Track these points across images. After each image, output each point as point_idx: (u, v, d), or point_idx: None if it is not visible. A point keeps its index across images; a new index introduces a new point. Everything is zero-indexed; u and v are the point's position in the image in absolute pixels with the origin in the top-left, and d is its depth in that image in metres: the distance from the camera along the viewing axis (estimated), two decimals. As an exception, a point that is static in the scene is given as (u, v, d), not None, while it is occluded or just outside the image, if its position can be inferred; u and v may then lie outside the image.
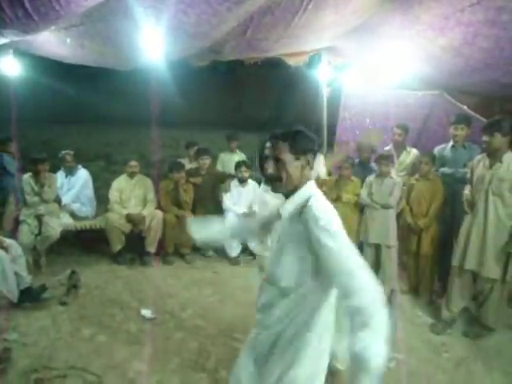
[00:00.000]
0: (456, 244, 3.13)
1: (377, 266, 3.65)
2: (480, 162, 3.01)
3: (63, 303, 3.29)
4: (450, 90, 5.54)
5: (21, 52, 3.86)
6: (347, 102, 5.74)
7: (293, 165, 1.40)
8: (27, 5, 2.06)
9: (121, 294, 3.60)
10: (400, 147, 4.19)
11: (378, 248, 3.64)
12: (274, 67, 5.68)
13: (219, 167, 5.31)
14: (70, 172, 4.53)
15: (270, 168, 1.42)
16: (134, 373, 2.47)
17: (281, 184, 1.42)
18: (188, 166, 4.86)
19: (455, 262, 3.05)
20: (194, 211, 4.58)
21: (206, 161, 4.70)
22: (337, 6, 3.70)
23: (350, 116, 5.81)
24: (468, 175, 3.12)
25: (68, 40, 3.35)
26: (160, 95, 6.78)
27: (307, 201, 1.38)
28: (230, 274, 4.17)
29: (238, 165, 4.61)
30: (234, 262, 4.45)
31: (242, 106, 6.96)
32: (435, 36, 4.27)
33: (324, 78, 5.76)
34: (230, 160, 5.10)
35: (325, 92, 5.97)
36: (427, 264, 3.49)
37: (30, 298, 3.23)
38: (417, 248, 3.53)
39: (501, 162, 2.84)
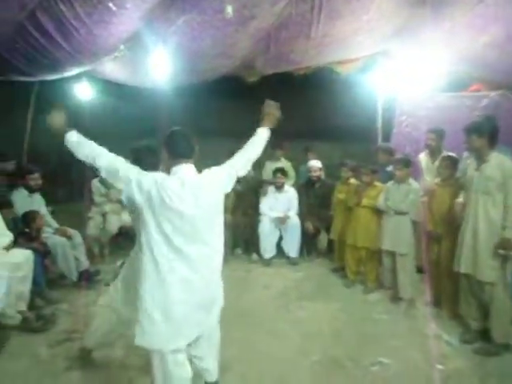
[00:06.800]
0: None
1: (394, 274, 3.54)
2: (470, 166, 2.93)
3: (107, 284, 3.95)
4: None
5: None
6: (403, 107, 5.55)
7: None
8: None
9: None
10: (435, 152, 3.97)
11: (393, 255, 3.53)
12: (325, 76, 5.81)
13: (264, 174, 5.62)
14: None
15: None
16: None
17: None
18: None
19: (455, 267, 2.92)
20: (234, 215, 4.96)
21: (245, 168, 5.05)
22: (353, 14, 3.77)
23: (407, 121, 5.59)
24: (462, 180, 2.98)
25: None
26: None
27: None
28: (259, 274, 4.44)
29: (275, 172, 4.86)
30: (266, 263, 4.69)
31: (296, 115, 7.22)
32: (477, 34, 3.99)
33: (379, 82, 5.70)
34: (274, 167, 5.37)
35: (380, 97, 5.88)
36: (447, 274, 3.25)
37: (85, 278, 3.97)
38: (437, 257, 3.33)
39: (486, 161, 2.76)
